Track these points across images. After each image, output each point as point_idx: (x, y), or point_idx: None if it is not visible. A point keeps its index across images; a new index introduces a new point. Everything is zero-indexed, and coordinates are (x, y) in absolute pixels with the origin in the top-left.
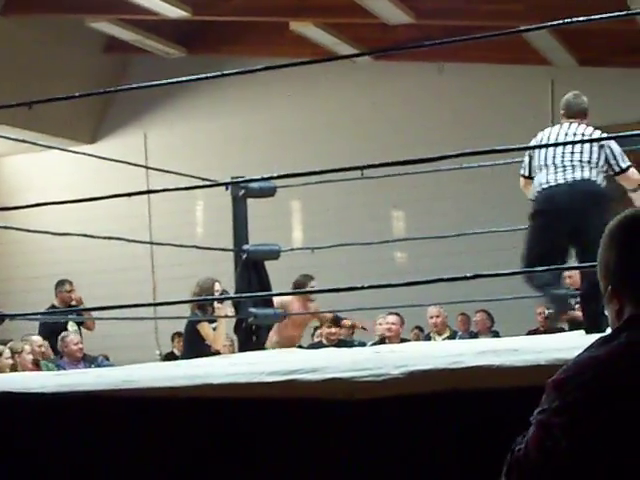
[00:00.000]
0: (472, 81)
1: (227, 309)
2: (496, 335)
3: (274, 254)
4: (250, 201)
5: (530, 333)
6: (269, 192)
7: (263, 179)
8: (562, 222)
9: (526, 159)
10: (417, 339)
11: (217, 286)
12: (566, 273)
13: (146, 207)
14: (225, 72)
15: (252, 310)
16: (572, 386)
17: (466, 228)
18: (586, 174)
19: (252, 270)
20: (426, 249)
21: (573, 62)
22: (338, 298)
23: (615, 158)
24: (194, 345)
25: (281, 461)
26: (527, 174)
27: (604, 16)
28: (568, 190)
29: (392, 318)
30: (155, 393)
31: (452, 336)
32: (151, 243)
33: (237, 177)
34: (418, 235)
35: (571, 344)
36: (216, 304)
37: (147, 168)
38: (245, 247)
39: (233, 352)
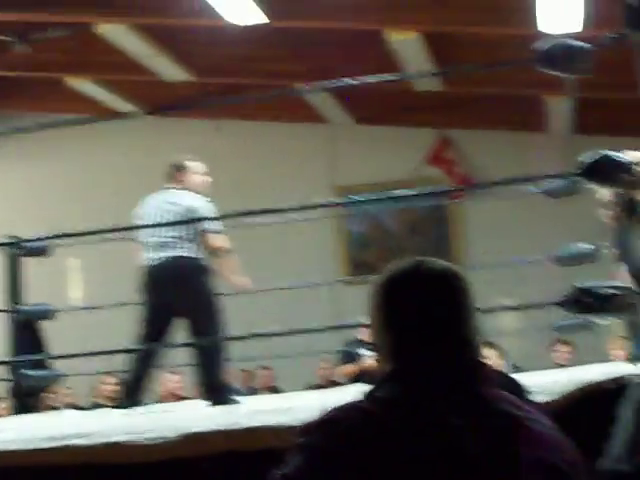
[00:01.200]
0: (251, 139)
1: None
2: (275, 391)
3: (49, 314)
4: (28, 260)
5: (311, 388)
6: (45, 251)
7: (38, 239)
8: (160, 300)
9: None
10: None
11: None
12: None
13: None
14: None
15: (27, 372)
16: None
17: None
18: (178, 251)
19: (27, 331)
20: None
21: (350, 120)
22: (119, 356)
23: (201, 222)
24: None
25: None
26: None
27: (377, 79)
28: (163, 269)
29: (173, 377)
30: None
31: None
32: None
33: (13, 235)
34: None
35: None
36: None
37: None
38: (18, 308)
39: (9, 415)
